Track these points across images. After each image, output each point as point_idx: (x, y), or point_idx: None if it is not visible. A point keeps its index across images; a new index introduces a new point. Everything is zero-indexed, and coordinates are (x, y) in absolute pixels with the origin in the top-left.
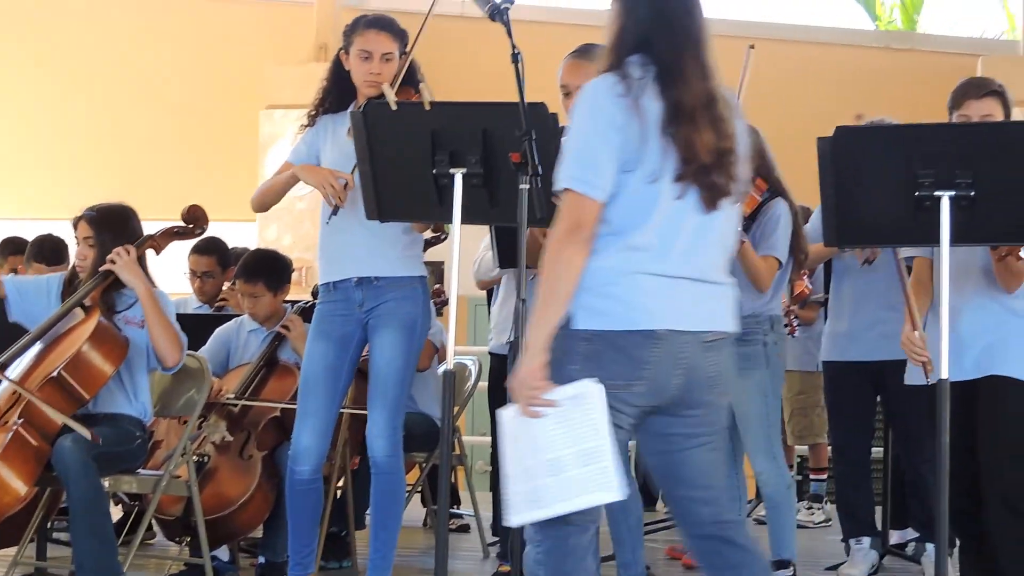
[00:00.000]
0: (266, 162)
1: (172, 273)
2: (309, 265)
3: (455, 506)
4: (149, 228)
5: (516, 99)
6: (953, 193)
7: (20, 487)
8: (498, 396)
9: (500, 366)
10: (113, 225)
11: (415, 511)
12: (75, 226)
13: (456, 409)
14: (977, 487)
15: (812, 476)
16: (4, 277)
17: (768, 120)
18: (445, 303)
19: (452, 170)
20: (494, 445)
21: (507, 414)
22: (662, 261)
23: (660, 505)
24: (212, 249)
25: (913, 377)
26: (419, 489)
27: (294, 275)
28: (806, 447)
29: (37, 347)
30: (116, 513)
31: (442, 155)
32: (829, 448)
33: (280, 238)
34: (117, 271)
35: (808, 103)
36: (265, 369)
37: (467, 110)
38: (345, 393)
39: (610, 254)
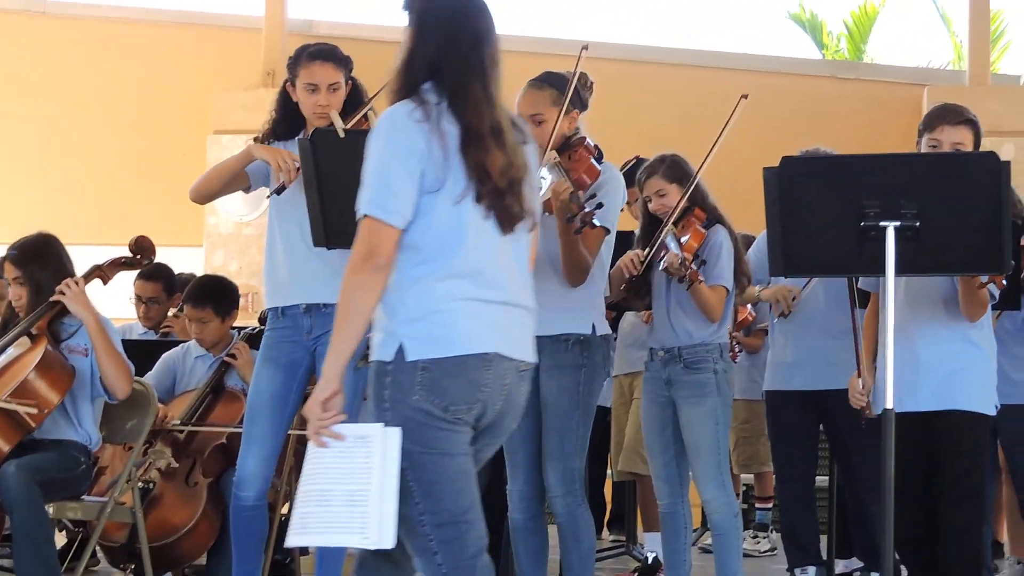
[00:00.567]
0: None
1: (116, 298)
2: (256, 291)
3: None
4: (96, 253)
5: None
6: (898, 223)
7: None
8: None
9: None
10: (37, 257)
11: None
12: (1, 267)
13: None
14: (930, 517)
15: (758, 505)
16: None
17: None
18: None
19: None
20: None
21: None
22: (482, 286)
23: (605, 533)
24: (158, 275)
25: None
26: None
27: (241, 301)
28: (751, 475)
29: None
30: (60, 540)
31: None
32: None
33: (227, 264)
34: (66, 302)
35: (754, 132)
36: (211, 395)
37: None
38: (291, 420)
39: (431, 282)
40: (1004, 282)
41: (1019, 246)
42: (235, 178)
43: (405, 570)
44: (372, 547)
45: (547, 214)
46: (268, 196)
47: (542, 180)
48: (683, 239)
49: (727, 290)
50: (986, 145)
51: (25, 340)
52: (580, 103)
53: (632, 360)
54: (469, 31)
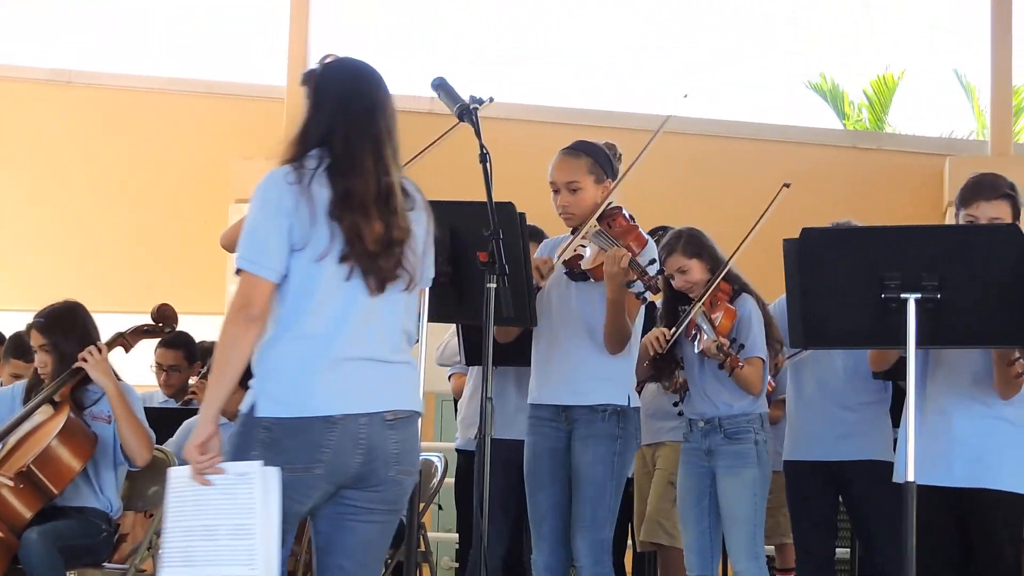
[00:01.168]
0: (234, 256)
1: (138, 366)
2: None
3: None
4: (119, 321)
5: (484, 198)
6: (919, 295)
7: None
8: (466, 492)
9: (467, 463)
10: (62, 326)
11: None
12: (28, 335)
13: (421, 506)
14: None
15: None
16: None
17: (735, 219)
18: None
19: None
20: (461, 542)
21: (177, 473)
22: (332, 345)
23: None
24: (179, 343)
25: (896, 475)
26: None
27: None
28: (772, 547)
29: (6, 443)
30: None
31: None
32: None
33: None
34: (88, 369)
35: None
36: None
37: (436, 209)
38: None
39: (286, 342)
40: None
41: None
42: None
43: None
44: None
45: (584, 281)
46: None
47: (582, 248)
48: (715, 318)
49: (763, 360)
50: None
51: (48, 407)
52: (612, 172)
53: (654, 430)
54: (362, 103)
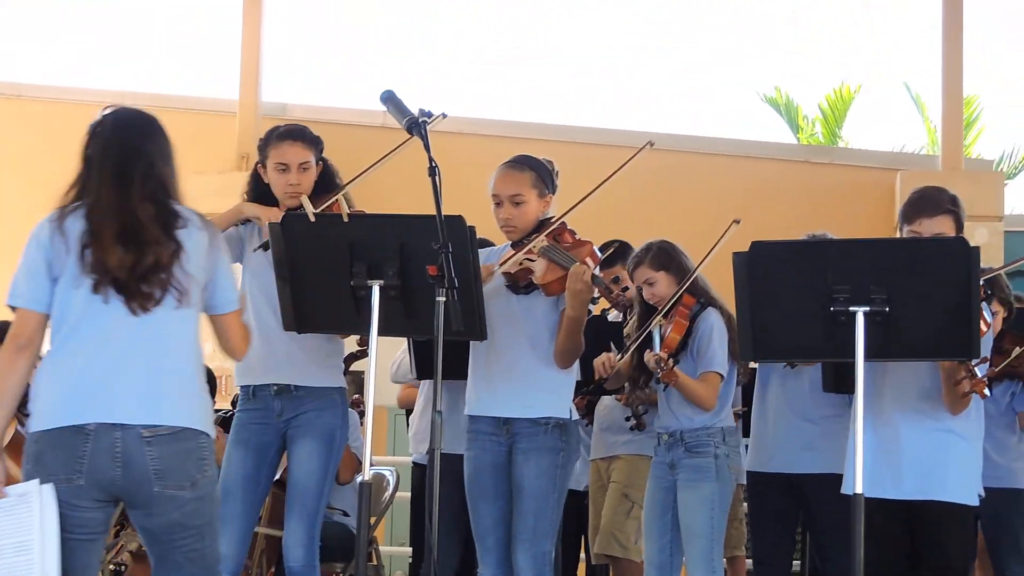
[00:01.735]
0: None
1: None
2: (229, 373)
3: None
4: None
5: (435, 211)
6: (868, 308)
7: None
8: (420, 505)
9: (422, 476)
10: None
11: None
12: None
13: (373, 519)
14: None
15: None
16: None
17: (687, 232)
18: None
19: (370, 282)
20: (414, 555)
21: None
22: (92, 362)
23: None
24: None
25: (845, 487)
26: None
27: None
28: (724, 559)
29: None
30: None
31: (360, 267)
32: (748, 561)
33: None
34: None
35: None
36: None
37: (385, 222)
38: (263, 502)
39: (50, 363)
40: (988, 392)
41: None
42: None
43: None
44: None
45: (527, 295)
46: (254, 250)
47: (529, 262)
48: (666, 332)
49: (720, 376)
50: None
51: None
52: (553, 187)
53: (608, 444)
54: (119, 149)
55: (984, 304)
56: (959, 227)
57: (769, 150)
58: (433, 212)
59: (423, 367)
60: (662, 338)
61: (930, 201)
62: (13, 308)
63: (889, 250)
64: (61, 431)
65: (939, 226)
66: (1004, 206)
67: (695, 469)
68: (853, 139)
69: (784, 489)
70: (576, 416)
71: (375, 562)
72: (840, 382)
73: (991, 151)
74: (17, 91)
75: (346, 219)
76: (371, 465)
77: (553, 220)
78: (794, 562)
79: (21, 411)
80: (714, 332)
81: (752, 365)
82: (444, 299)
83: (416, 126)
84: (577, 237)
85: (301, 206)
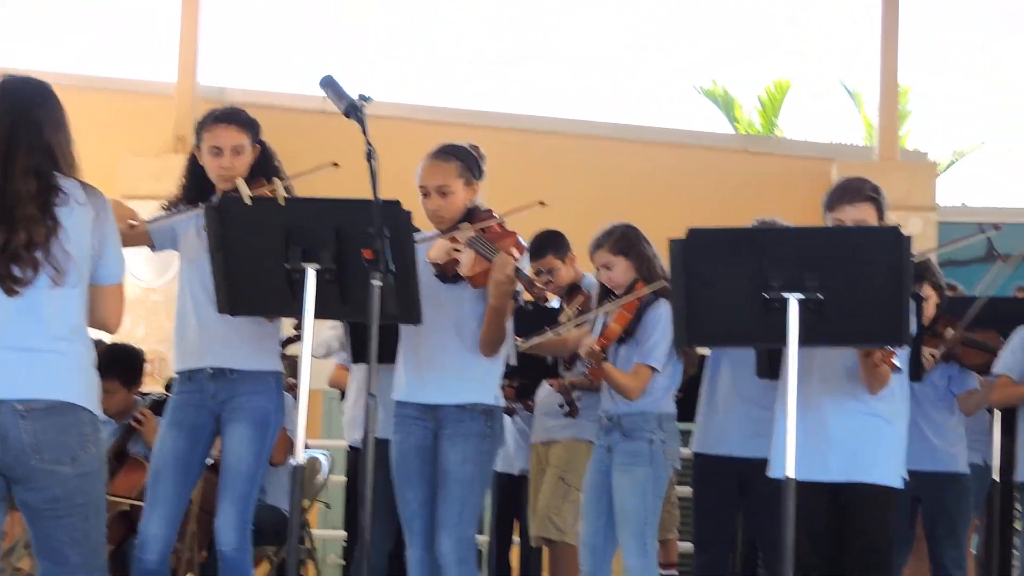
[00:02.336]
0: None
1: None
2: (163, 357)
3: None
4: None
5: (371, 196)
6: (801, 296)
7: None
8: (355, 489)
9: (357, 460)
10: None
11: None
12: None
13: (307, 503)
14: None
15: (662, 572)
16: None
17: (626, 220)
18: None
19: (305, 265)
20: (348, 539)
21: None
22: None
23: None
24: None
25: (773, 471)
26: None
27: (147, 367)
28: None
29: None
30: None
31: (295, 250)
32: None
33: (133, 330)
34: None
35: (666, 205)
36: (114, 462)
37: (322, 206)
38: (195, 484)
39: None
40: (896, 362)
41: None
42: (134, 233)
43: None
44: None
45: (455, 284)
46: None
47: (456, 252)
48: (608, 322)
49: (653, 369)
50: (893, 220)
51: None
52: (480, 174)
53: (547, 428)
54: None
55: None
56: (881, 215)
57: (707, 139)
58: (370, 197)
59: (360, 351)
60: (603, 327)
61: (852, 189)
62: None
63: (823, 239)
64: None
65: (861, 213)
66: (937, 196)
67: (630, 454)
68: (790, 132)
69: (731, 473)
70: (502, 403)
71: (308, 545)
72: (774, 368)
73: (926, 142)
74: None
75: (282, 203)
76: (305, 448)
77: (482, 210)
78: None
79: None
80: (659, 324)
81: (703, 352)
82: (380, 283)
83: (354, 110)
84: (505, 227)
85: (237, 189)
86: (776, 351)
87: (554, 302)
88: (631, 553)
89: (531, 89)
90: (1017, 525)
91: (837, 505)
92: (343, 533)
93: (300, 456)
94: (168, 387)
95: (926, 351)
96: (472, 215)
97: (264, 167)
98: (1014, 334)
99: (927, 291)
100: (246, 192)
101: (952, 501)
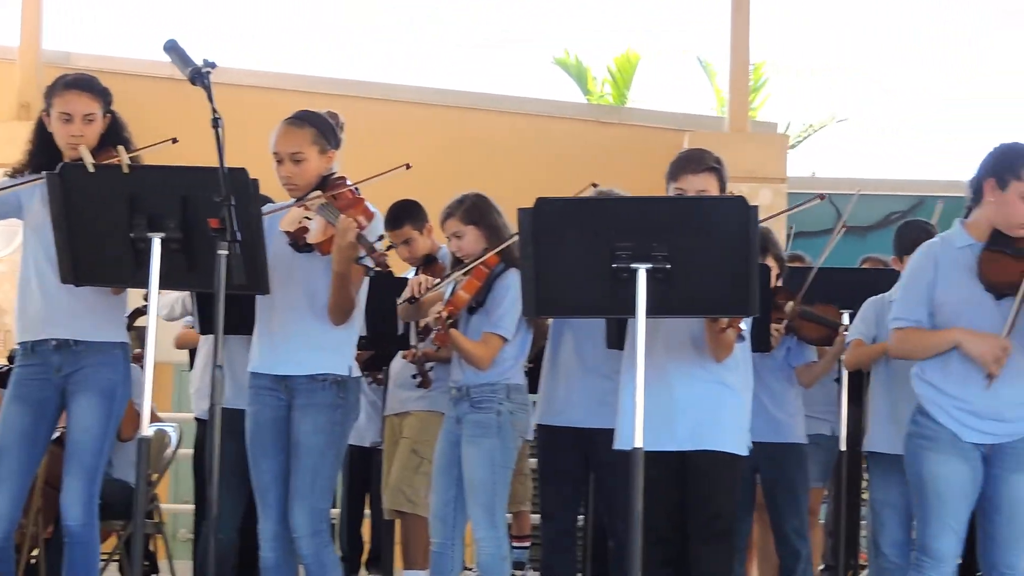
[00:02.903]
0: None
1: None
2: (8, 329)
3: (153, 575)
4: None
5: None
6: (649, 266)
7: None
8: (203, 462)
9: (205, 432)
10: None
11: None
12: None
13: (155, 476)
14: (683, 556)
15: (515, 544)
16: None
17: (479, 189)
18: None
19: (150, 234)
20: (197, 513)
21: None
22: None
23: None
24: None
25: (620, 442)
26: (116, 558)
27: None
28: (510, 514)
29: None
30: None
31: (140, 219)
32: (534, 516)
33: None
34: None
35: (517, 174)
36: None
37: (167, 174)
38: (40, 460)
39: None
40: (743, 326)
41: (769, 290)
42: None
43: None
44: None
45: (308, 253)
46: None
47: (307, 220)
48: (457, 290)
49: (503, 338)
50: (743, 191)
51: None
52: (336, 142)
53: (400, 400)
54: None
55: None
56: (722, 186)
57: (558, 108)
58: (216, 164)
59: (207, 323)
60: (451, 295)
61: (694, 159)
62: None
63: (671, 208)
64: None
65: (703, 183)
66: (787, 168)
67: (478, 425)
68: (643, 103)
69: (574, 443)
70: (356, 373)
71: (157, 519)
72: (623, 338)
73: (776, 114)
74: None
75: (126, 170)
76: (153, 421)
77: (335, 178)
78: (579, 517)
79: None
80: (508, 294)
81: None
82: (226, 252)
83: (199, 76)
84: (358, 194)
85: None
86: (624, 321)
87: (409, 273)
88: (480, 525)
89: (378, 55)
90: (865, 495)
91: (683, 473)
92: (193, 507)
93: (146, 428)
94: (11, 358)
95: (772, 326)
96: (326, 183)
97: (114, 137)
98: (864, 305)
99: (769, 261)
100: (89, 160)
101: (792, 471)
